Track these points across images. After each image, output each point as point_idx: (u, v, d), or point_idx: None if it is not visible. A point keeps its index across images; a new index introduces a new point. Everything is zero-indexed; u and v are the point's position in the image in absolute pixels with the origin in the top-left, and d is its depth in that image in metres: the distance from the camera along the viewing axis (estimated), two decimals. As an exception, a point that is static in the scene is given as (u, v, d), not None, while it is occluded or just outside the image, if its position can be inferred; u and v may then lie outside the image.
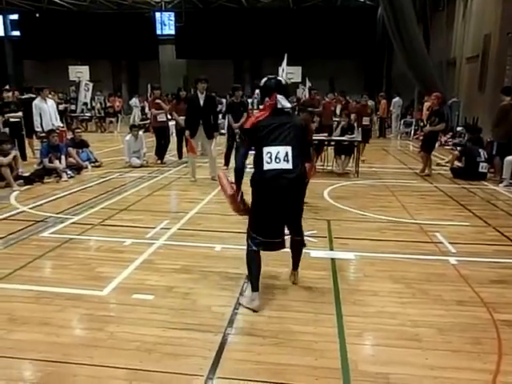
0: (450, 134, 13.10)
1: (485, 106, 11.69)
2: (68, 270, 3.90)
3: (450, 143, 12.48)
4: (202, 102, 7.61)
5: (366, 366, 2.56)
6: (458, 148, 10.24)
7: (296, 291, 3.54)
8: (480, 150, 7.95)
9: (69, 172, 8.07)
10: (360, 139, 8.72)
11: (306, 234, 4.89)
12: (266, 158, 3.10)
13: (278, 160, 3.09)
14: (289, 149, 3.12)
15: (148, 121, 16.85)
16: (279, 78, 3.41)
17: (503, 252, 4.42)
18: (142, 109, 20.76)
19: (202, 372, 2.51)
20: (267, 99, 3.22)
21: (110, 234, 4.90)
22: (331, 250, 4.52)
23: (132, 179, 8.07)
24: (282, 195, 3.18)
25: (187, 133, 7.78)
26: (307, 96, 11.05)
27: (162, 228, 5.13)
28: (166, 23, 28.39)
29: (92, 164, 9.17)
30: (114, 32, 26.47)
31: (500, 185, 7.52)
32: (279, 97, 3.17)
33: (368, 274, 3.88)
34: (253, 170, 3.24)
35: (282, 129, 3.16)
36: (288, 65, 16.48)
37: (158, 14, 28.02)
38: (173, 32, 28.26)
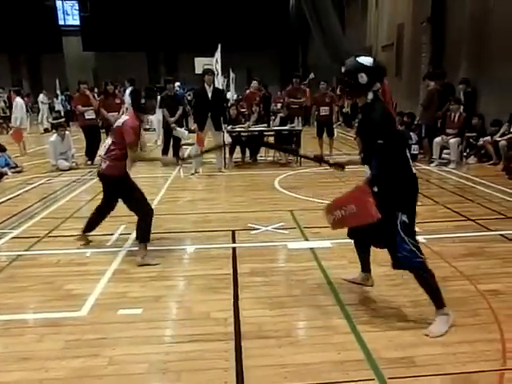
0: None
1: (402, 91, 12.53)
2: (31, 292, 3.41)
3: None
4: (210, 95, 7.57)
5: (389, 352, 2.56)
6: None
7: (290, 286, 3.45)
8: (411, 133, 8.49)
9: (-12, 180, 7.15)
10: (300, 128, 8.81)
11: (274, 226, 4.91)
12: (409, 159, 2.77)
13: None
14: None
15: (63, 119, 15.63)
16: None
17: (461, 227, 4.74)
18: (50, 106, 19.15)
19: (228, 385, 2.33)
20: (378, 85, 2.73)
21: (64, 246, 4.39)
22: (306, 239, 4.50)
23: (65, 184, 7.36)
24: None
25: (195, 126, 7.79)
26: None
27: (121, 234, 4.73)
28: (69, 12, 26.46)
29: (12, 170, 8.20)
30: (9, 22, 23.91)
31: (431, 164, 8.11)
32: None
33: (352, 260, 3.86)
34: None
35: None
36: (205, 56, 16.17)
37: (59, 3, 25.95)
38: (77, 22, 26.42)
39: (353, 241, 3.29)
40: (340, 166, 3.10)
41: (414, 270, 2.79)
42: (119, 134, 3.96)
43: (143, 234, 4.06)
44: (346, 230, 4.60)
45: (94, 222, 4.40)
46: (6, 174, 7.89)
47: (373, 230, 2.88)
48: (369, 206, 2.62)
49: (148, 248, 4.28)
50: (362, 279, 3.42)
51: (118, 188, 4.12)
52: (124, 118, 4.07)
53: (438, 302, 2.77)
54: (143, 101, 4.02)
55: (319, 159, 3.19)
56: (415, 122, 9.04)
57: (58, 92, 19.35)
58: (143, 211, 4.09)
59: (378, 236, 2.94)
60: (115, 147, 4.00)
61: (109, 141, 4.11)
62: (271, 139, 9.07)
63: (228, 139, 8.11)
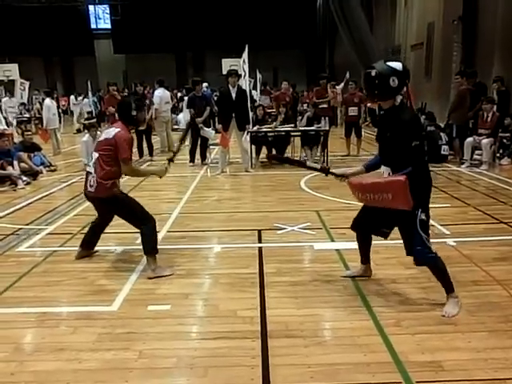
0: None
1: (432, 91, 12.27)
2: (65, 287, 3.54)
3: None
4: (234, 96, 7.77)
5: (416, 356, 2.54)
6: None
7: (316, 286, 3.46)
8: (441, 134, 8.32)
9: (24, 178, 7.42)
10: (327, 129, 8.75)
11: (300, 226, 4.91)
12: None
13: None
14: None
15: (94, 119, 16.03)
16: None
17: (493, 230, 4.62)
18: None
19: (254, 383, 2.36)
20: (404, 89, 2.87)
21: (95, 243, 4.53)
22: (332, 240, 4.49)
23: (96, 182, 7.57)
24: None
25: (220, 126, 8.02)
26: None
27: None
28: (100, 17, 27.16)
29: (47, 168, 8.51)
30: (43, 27, 24.85)
31: (462, 166, 7.92)
32: None
33: (378, 262, 3.86)
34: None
35: None
36: (231, 57, 16.28)
37: (91, 7, 26.67)
38: (109, 26, 27.13)
39: (355, 234, 3.47)
40: (345, 177, 3.22)
41: (428, 264, 3.02)
42: (108, 149, 3.58)
43: (149, 245, 3.70)
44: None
45: (89, 241, 4.14)
46: (41, 173, 8.17)
47: (387, 221, 3.11)
48: (407, 198, 2.79)
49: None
50: (364, 271, 3.56)
51: (113, 207, 3.79)
52: (114, 129, 3.66)
53: (449, 288, 3.02)
54: (134, 112, 3.68)
55: (325, 170, 3.34)
56: (446, 122, 8.83)
57: (90, 93, 19.85)
58: (143, 221, 3.70)
59: (388, 225, 3.19)
60: (105, 164, 3.60)
61: (95, 156, 3.69)
62: (298, 139, 9.07)
63: (247, 140, 8.17)
